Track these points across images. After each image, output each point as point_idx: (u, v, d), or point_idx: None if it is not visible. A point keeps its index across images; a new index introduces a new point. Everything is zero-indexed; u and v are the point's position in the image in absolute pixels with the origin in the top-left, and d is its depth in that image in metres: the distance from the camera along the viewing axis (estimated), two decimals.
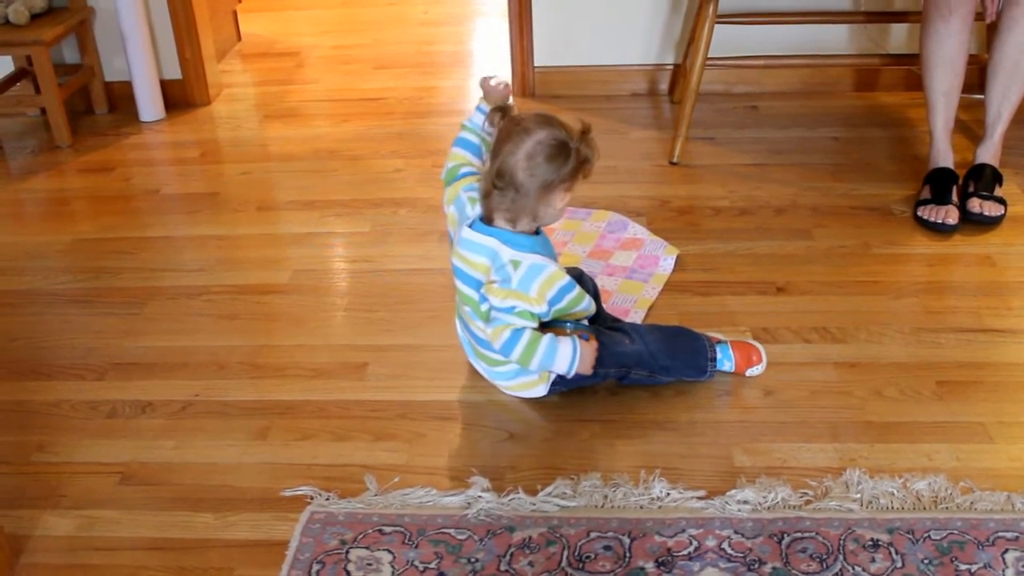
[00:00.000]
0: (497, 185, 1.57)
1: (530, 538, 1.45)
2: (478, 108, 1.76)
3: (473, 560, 1.42)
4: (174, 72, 3.09)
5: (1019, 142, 2.54)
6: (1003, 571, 1.36)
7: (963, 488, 1.51)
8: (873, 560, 1.39)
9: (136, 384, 1.85)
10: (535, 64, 3.05)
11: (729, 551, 1.41)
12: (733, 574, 1.38)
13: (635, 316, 1.93)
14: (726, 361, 1.75)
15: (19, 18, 2.81)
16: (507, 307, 1.59)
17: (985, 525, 1.44)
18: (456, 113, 3.03)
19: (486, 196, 1.61)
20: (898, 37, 2.92)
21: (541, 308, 1.60)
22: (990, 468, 1.55)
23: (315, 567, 1.42)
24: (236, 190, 2.59)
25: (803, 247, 2.18)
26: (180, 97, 3.12)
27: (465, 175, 1.74)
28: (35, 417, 1.78)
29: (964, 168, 2.33)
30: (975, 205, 2.22)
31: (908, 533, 1.43)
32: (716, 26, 2.52)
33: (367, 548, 1.44)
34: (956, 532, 1.43)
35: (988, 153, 2.32)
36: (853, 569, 1.38)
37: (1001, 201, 2.24)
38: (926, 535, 1.42)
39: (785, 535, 1.43)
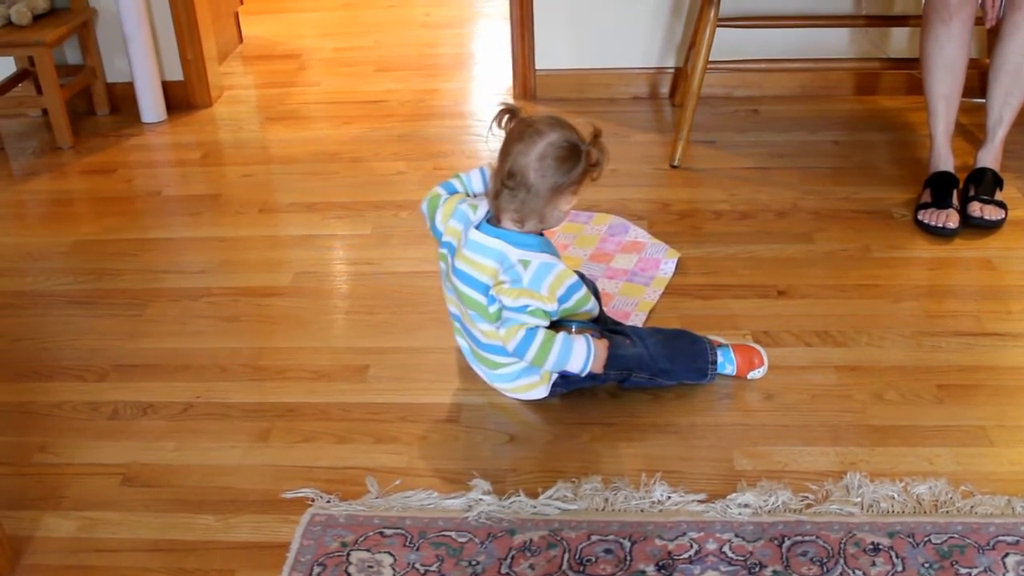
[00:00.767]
0: (508, 185, 1.58)
1: (531, 541, 1.45)
2: (480, 169, 1.77)
3: (474, 563, 1.42)
4: (176, 74, 3.10)
5: (1020, 146, 2.54)
6: (1004, 575, 1.37)
7: (964, 492, 1.51)
8: (873, 564, 1.39)
9: (138, 386, 1.85)
10: (536, 67, 3.05)
11: (730, 554, 1.41)
12: None
13: (636, 319, 1.94)
14: (728, 364, 1.75)
15: (21, 19, 2.81)
16: (520, 306, 1.59)
17: (986, 529, 1.44)
18: (458, 115, 3.04)
19: (495, 196, 1.62)
20: (899, 41, 2.93)
21: (552, 306, 1.61)
22: (991, 472, 1.55)
23: (316, 569, 1.42)
24: (238, 192, 2.59)
25: (804, 251, 2.18)
26: (182, 99, 3.12)
27: (451, 194, 1.74)
28: (37, 418, 1.78)
29: (965, 172, 2.33)
30: (976, 209, 2.22)
31: (909, 537, 1.43)
32: (717, 29, 2.53)
33: (368, 550, 1.45)
34: (957, 536, 1.43)
35: (989, 157, 2.32)
36: (854, 573, 1.38)
37: (1001, 205, 2.24)
38: (927, 539, 1.43)
39: (786, 539, 1.44)
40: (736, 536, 1.44)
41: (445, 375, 1.83)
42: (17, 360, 1.95)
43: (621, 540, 1.45)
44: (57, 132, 2.87)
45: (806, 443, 1.62)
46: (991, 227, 2.21)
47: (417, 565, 1.42)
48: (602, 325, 1.76)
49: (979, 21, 2.27)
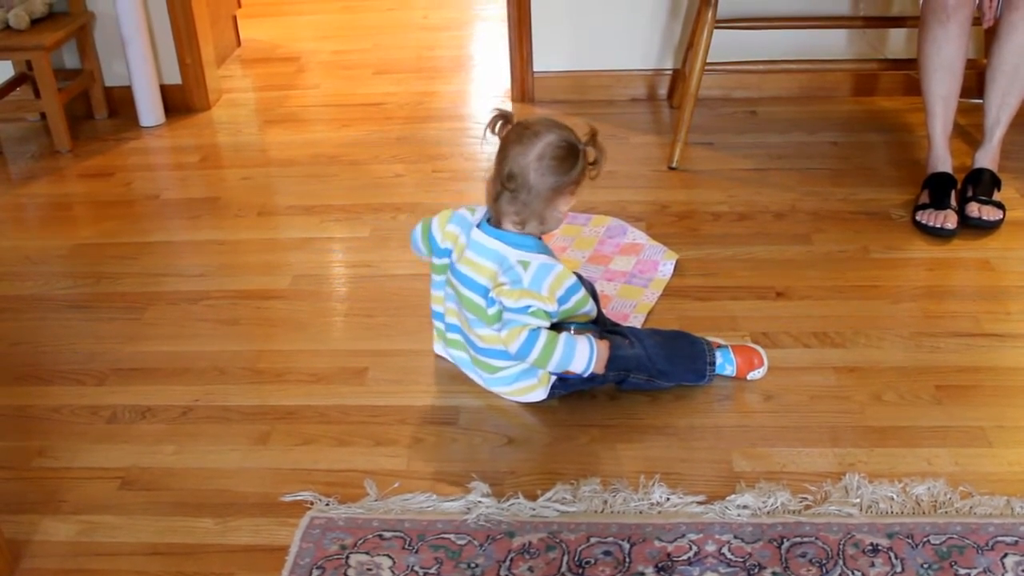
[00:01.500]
0: (508, 187, 1.58)
1: (530, 543, 1.45)
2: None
3: (473, 565, 1.42)
4: (174, 77, 3.10)
5: (1018, 147, 2.54)
6: (1003, 575, 1.37)
7: (962, 492, 1.51)
8: (873, 565, 1.39)
9: (137, 389, 1.85)
10: (534, 69, 3.05)
11: (729, 556, 1.41)
12: None
13: (634, 321, 1.94)
14: (728, 365, 1.75)
15: (19, 23, 2.81)
16: (521, 307, 1.59)
17: (984, 529, 1.44)
18: (456, 118, 3.04)
19: (495, 200, 1.62)
20: (896, 42, 2.93)
21: (552, 307, 1.61)
22: (989, 472, 1.55)
23: (315, 572, 1.42)
24: (236, 195, 2.59)
25: (802, 252, 2.18)
26: (180, 102, 3.12)
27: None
28: (35, 422, 1.78)
29: (963, 172, 2.33)
30: (974, 210, 2.22)
31: (908, 538, 1.43)
32: (715, 31, 2.53)
33: (367, 553, 1.45)
34: (955, 536, 1.43)
35: (987, 157, 2.32)
36: (853, 574, 1.38)
37: (1000, 206, 2.24)
38: (925, 539, 1.43)
39: (785, 540, 1.44)
40: (735, 537, 1.44)
41: (444, 377, 1.83)
42: (16, 364, 1.95)
43: (620, 542, 1.45)
44: (55, 136, 2.87)
45: (805, 444, 1.63)
46: (989, 227, 2.22)
47: (416, 568, 1.42)
48: (600, 327, 1.76)
49: (976, 21, 2.28)
